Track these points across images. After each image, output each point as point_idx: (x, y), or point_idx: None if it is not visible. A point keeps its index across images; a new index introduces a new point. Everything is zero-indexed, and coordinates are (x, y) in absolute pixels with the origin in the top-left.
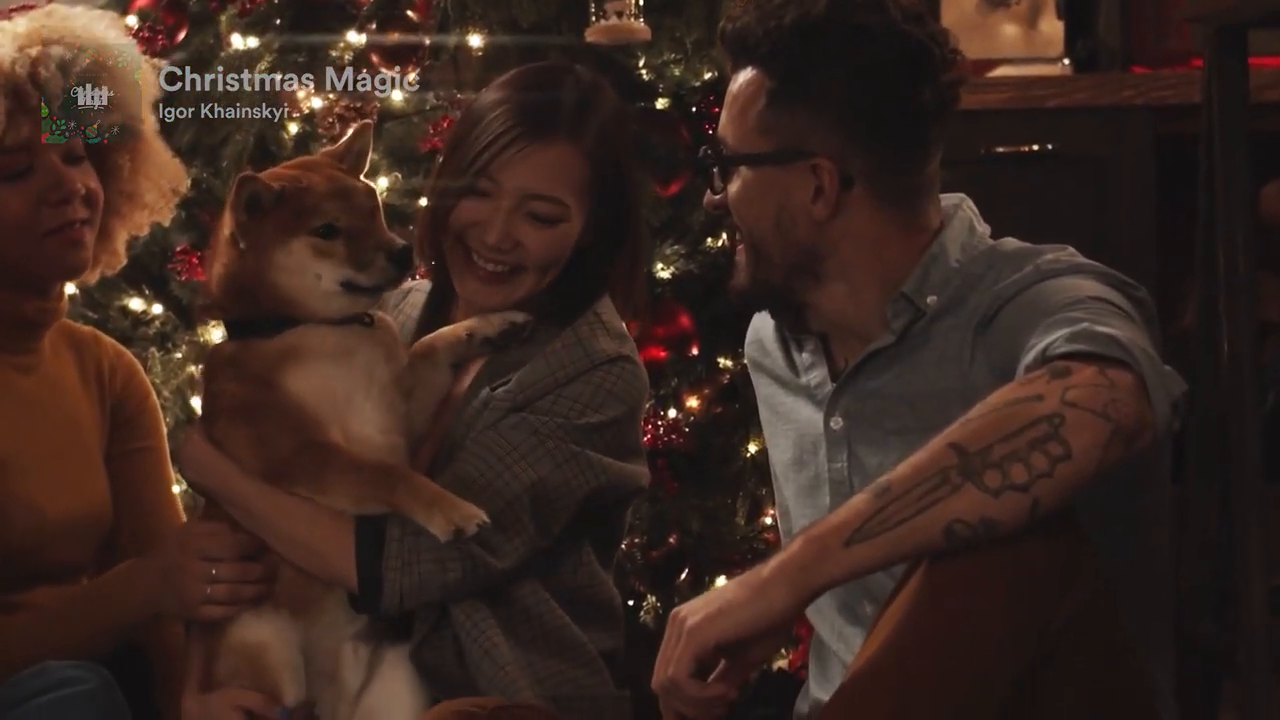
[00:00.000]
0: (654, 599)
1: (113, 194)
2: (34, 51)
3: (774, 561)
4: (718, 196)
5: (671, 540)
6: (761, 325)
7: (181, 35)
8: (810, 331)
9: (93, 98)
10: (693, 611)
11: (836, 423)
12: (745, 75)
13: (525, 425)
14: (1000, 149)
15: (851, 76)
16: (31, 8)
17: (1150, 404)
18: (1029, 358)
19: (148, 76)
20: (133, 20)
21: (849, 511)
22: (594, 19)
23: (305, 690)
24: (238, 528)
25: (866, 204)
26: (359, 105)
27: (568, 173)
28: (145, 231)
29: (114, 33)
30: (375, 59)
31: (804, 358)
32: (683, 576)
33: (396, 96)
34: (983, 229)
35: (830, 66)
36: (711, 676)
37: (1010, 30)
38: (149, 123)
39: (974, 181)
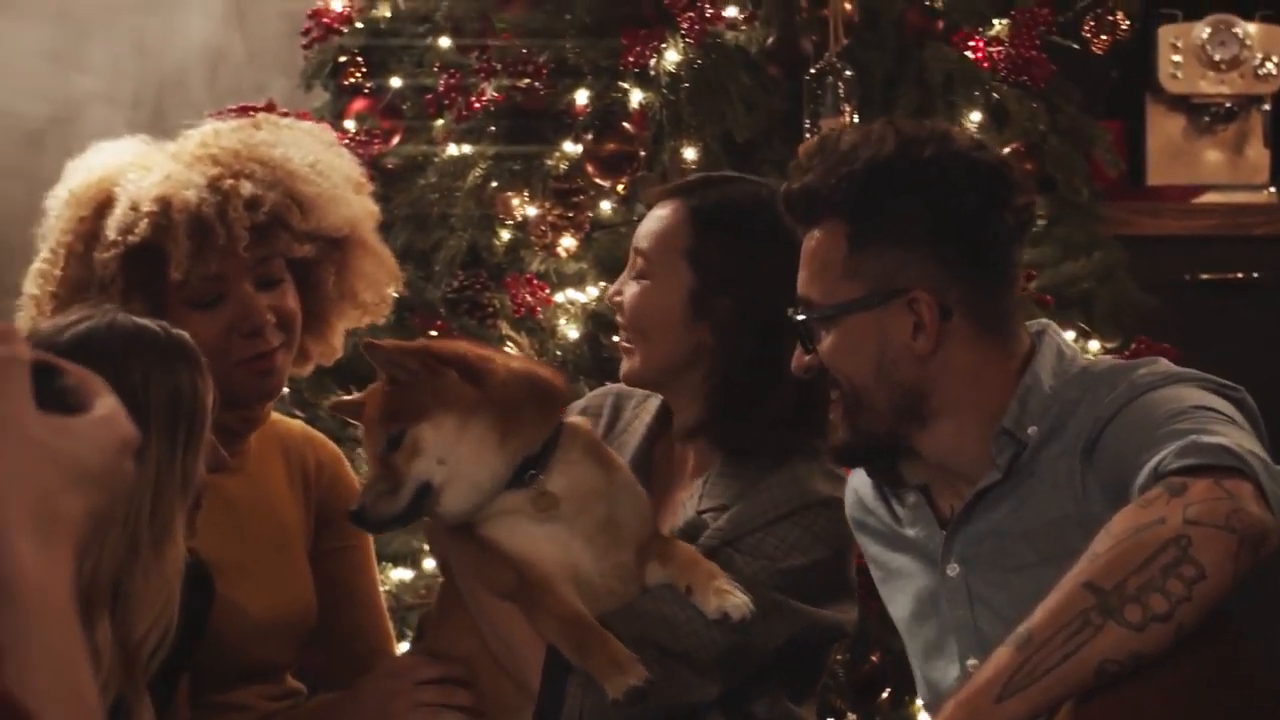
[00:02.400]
0: (854, 718)
1: (322, 298)
2: (226, 185)
3: None
4: (808, 358)
5: (874, 659)
6: (860, 484)
7: (396, 140)
8: (907, 485)
9: (288, 224)
10: None
11: (953, 569)
12: (819, 230)
13: (731, 567)
14: (1205, 276)
15: (932, 207)
16: (252, 110)
17: (1270, 507)
18: (1142, 478)
19: (360, 188)
20: (350, 124)
21: (993, 669)
22: (808, 134)
23: None
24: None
25: (965, 333)
26: (571, 215)
27: (659, 229)
28: (365, 325)
29: (322, 150)
30: (590, 169)
31: (906, 512)
32: (884, 695)
33: (605, 206)
34: (1070, 352)
35: (909, 200)
36: None
37: (1216, 156)
38: (361, 229)
39: (1178, 308)
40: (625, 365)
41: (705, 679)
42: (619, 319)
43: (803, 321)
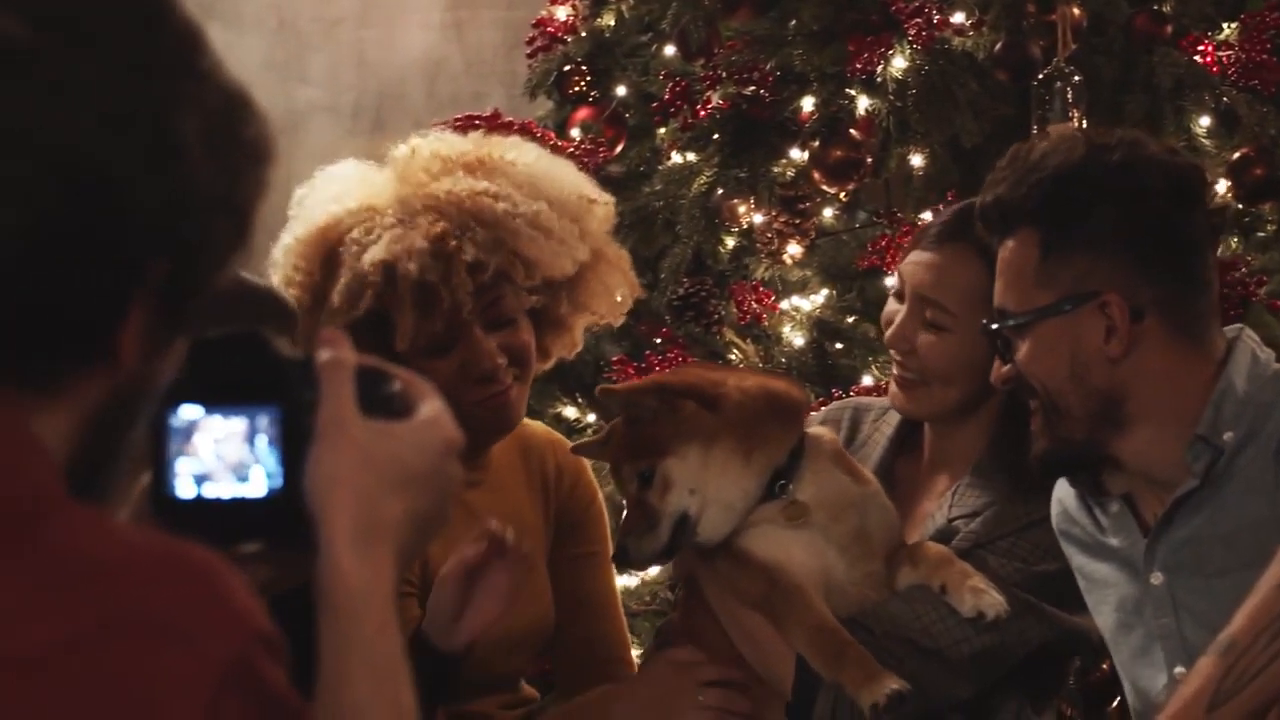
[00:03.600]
0: None
1: (556, 316)
2: (450, 248)
3: None
4: (1006, 368)
5: (1104, 667)
6: (1064, 494)
7: (620, 148)
8: (1110, 493)
9: (512, 281)
10: None
11: (1157, 578)
12: (1012, 240)
13: (986, 567)
14: None
15: (1122, 211)
16: (477, 119)
17: None
18: None
19: (590, 206)
20: (575, 133)
21: (1200, 679)
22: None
23: None
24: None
25: (1158, 336)
26: (798, 222)
27: (959, 280)
28: (601, 324)
29: (546, 183)
30: (816, 176)
31: (1109, 521)
32: (1113, 705)
33: (827, 214)
34: (1265, 356)
35: (1099, 205)
36: None
37: None
38: (600, 248)
39: None
40: (913, 401)
41: (958, 678)
42: (900, 357)
43: (999, 331)
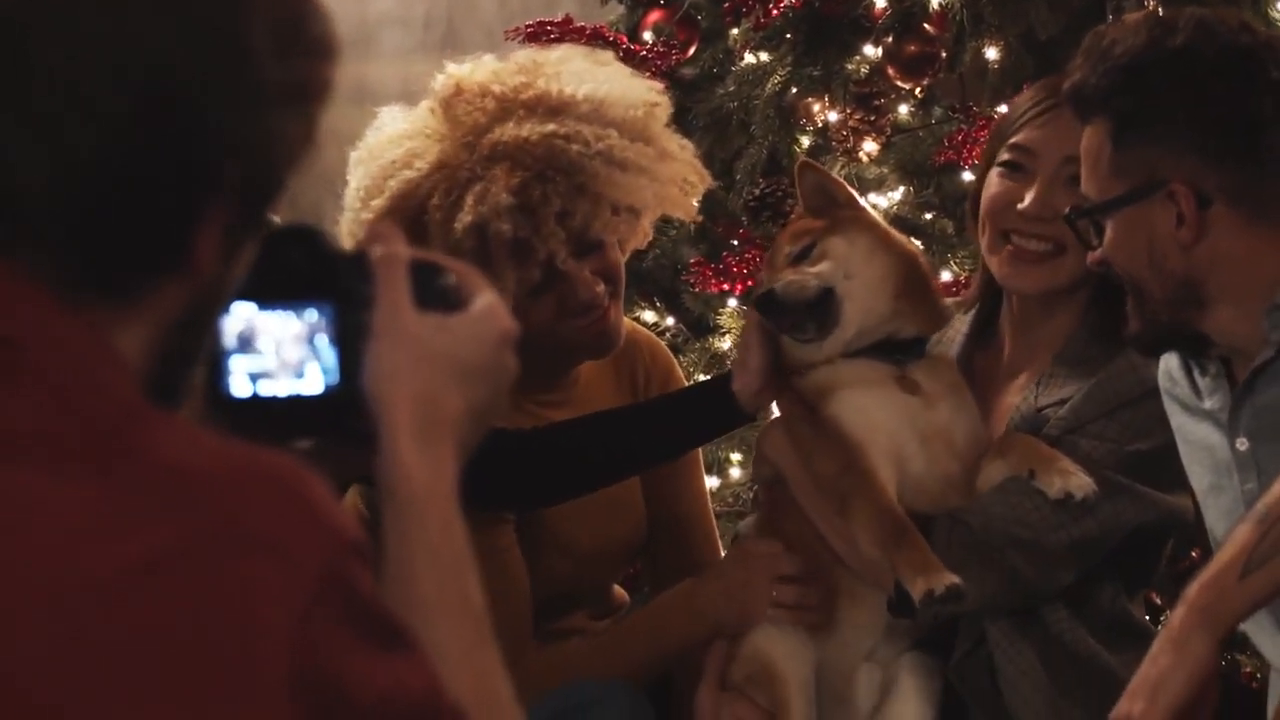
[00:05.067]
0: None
1: (635, 218)
2: (534, 199)
3: (1177, 616)
4: (1098, 253)
5: (1194, 554)
6: (1169, 354)
7: (693, 50)
8: (1210, 356)
9: (600, 218)
10: (1133, 705)
11: (1242, 444)
12: (1091, 129)
13: (1077, 451)
14: None
15: (1187, 98)
16: (549, 25)
17: None
18: None
19: (658, 115)
20: (647, 36)
21: (1235, 546)
22: None
23: (813, 710)
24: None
25: (1230, 220)
26: (873, 119)
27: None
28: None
29: (613, 105)
30: (891, 72)
31: (1206, 382)
32: None
33: (903, 110)
34: None
35: (1165, 93)
36: None
37: None
38: (665, 147)
39: None
40: (1041, 275)
41: (1058, 566)
42: (1038, 228)
43: (1082, 218)
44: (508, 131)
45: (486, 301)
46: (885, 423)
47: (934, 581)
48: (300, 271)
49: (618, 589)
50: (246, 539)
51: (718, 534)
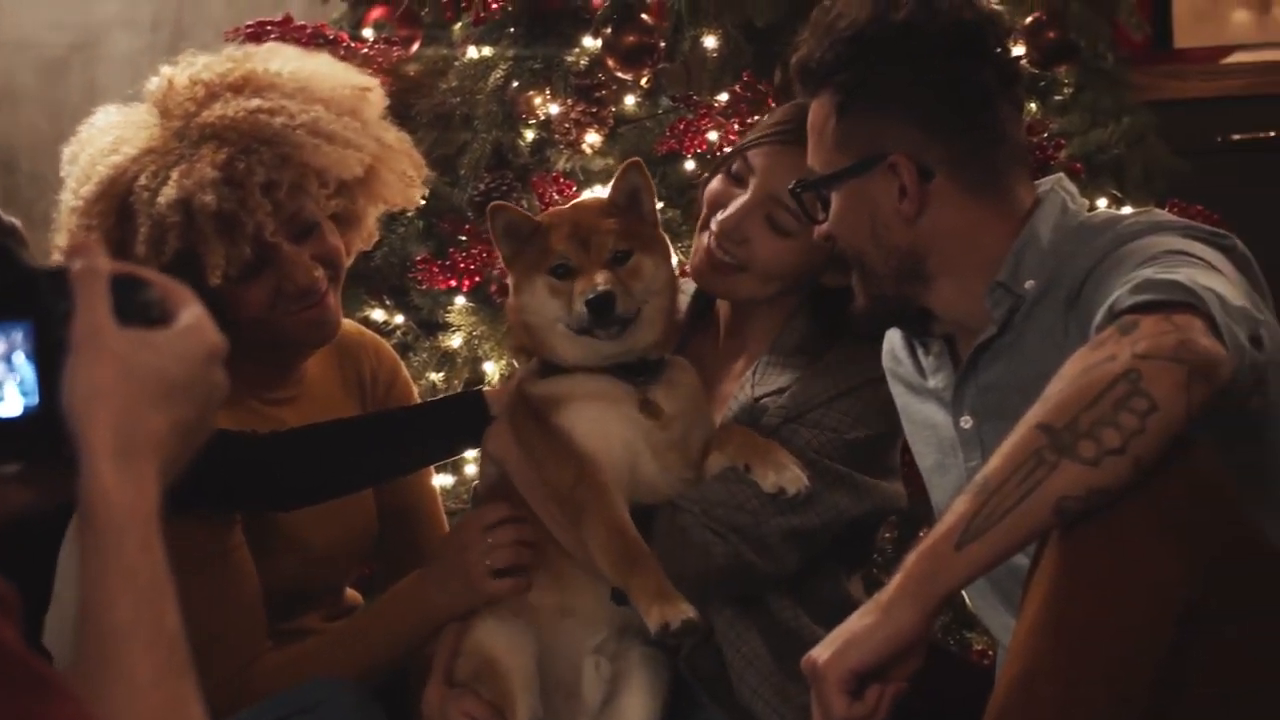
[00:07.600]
0: None
1: (355, 212)
2: (239, 171)
3: (893, 582)
4: (824, 227)
5: (921, 535)
6: (893, 334)
7: (415, 46)
8: (934, 335)
9: (308, 192)
10: (821, 652)
11: (966, 422)
12: (817, 102)
13: (798, 439)
14: (1235, 136)
15: (909, 71)
16: (269, 25)
17: (1222, 340)
18: (1098, 319)
19: (370, 100)
20: (368, 33)
21: (953, 516)
22: None
23: (537, 700)
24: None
25: (952, 194)
26: (595, 110)
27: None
28: (396, 209)
29: (317, 85)
30: (611, 63)
31: (929, 361)
32: None
33: (629, 101)
34: (1076, 206)
35: (887, 66)
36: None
37: (1242, 17)
38: (381, 136)
39: (1209, 170)
40: (724, 284)
41: (778, 554)
42: (727, 243)
43: (807, 190)
44: (214, 112)
45: (193, 316)
46: (619, 437)
47: (669, 614)
48: None
49: (351, 592)
50: None
51: (449, 529)
